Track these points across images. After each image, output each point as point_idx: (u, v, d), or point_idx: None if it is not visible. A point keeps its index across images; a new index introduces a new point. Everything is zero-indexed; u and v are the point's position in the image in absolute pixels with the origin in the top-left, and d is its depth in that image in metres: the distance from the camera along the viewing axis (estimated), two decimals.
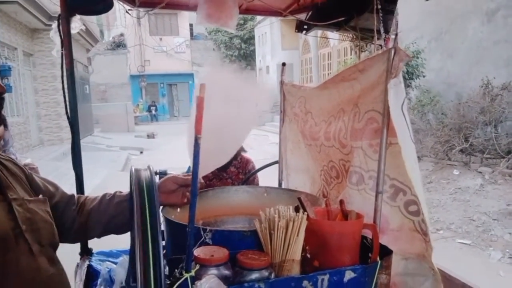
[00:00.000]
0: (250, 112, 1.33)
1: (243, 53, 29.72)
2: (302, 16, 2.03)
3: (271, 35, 22.06)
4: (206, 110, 1.13)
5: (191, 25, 30.13)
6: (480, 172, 7.02)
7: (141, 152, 13.66)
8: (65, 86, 1.71)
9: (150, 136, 18.33)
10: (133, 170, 0.94)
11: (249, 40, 28.39)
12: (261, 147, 10.86)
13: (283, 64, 1.83)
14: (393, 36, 1.12)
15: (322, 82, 1.48)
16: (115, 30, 30.35)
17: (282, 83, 1.83)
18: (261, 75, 23.92)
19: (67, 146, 1.91)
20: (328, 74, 16.77)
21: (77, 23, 1.66)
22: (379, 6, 1.50)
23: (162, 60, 28.48)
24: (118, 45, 29.28)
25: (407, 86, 9.07)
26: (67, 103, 1.72)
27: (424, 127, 8.50)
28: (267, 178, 2.43)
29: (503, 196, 6.12)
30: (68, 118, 1.66)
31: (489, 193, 6.31)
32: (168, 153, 11.04)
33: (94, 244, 1.79)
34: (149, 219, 0.87)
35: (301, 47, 20.74)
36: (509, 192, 6.19)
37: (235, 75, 1.33)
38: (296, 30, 1.99)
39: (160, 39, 28.60)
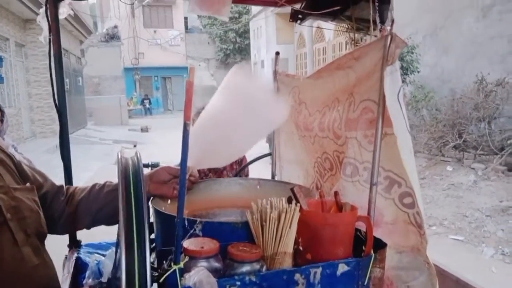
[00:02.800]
0: (264, 122, 1.29)
1: (238, 47, 29.62)
2: (297, 6, 2.00)
3: (266, 29, 21.95)
4: (222, 108, 1.09)
5: (185, 18, 29.95)
6: (473, 169, 7.05)
7: (135, 146, 13.48)
8: (53, 72, 1.66)
9: (144, 129, 18.22)
10: (120, 155, 0.91)
11: (244, 34, 28.28)
12: None
13: (277, 53, 1.79)
14: (388, 27, 1.09)
15: (316, 70, 1.44)
16: (108, 22, 30.04)
17: (275, 73, 1.79)
18: (256, 69, 23.83)
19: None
20: None
21: (65, 8, 1.61)
22: None
23: (156, 53, 28.27)
24: (112, 37, 28.99)
25: (402, 81, 9.07)
26: (55, 90, 1.67)
27: (418, 123, 8.51)
28: (260, 172, 2.40)
29: (495, 192, 6.15)
30: (55, 105, 1.62)
31: (482, 189, 6.34)
32: (162, 147, 10.97)
33: (84, 236, 1.75)
34: (134, 204, 0.83)
35: (296, 42, 20.67)
36: (501, 188, 6.22)
37: (257, 81, 1.29)
38: (291, 20, 1.95)
39: (154, 31, 28.38)
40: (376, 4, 1.48)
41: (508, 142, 6.94)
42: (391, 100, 1.03)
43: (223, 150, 1.31)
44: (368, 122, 1.19)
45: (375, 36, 1.65)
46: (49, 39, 1.58)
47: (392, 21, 1.07)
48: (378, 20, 1.52)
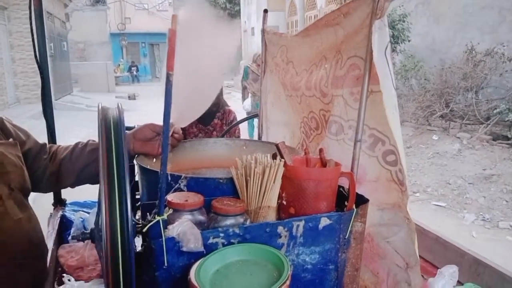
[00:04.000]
0: (225, 58, 1.28)
1: (228, 13, 28.94)
2: None
3: None
4: (181, 55, 1.07)
5: None
6: (458, 138, 7.15)
7: None
8: (35, 33, 1.61)
9: (131, 97, 17.97)
10: (100, 106, 0.89)
11: None
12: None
13: (265, 11, 1.75)
14: None
15: (303, 29, 1.42)
16: None
17: (263, 31, 1.76)
18: (246, 36, 23.43)
19: None
20: None
21: None
22: None
23: (143, 19, 27.55)
24: (98, 0, 28.09)
25: (392, 50, 9.00)
26: (36, 49, 1.62)
27: (407, 92, 8.53)
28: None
29: (479, 161, 6.27)
30: (37, 62, 1.57)
31: (466, 158, 6.46)
32: (150, 114, 10.88)
33: (69, 195, 1.75)
34: (115, 158, 0.83)
35: (287, 9, 20.26)
36: (485, 157, 6.34)
37: (213, 20, 1.26)
38: None
39: None
40: None
41: (494, 112, 7.02)
42: (378, 56, 1.02)
43: (196, 98, 1.30)
44: (355, 79, 1.18)
45: None
46: None
47: None
48: None
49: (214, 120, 2.57)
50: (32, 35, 1.59)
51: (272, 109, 1.78)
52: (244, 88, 6.79)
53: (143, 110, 13.56)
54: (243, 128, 2.31)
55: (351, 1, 1.13)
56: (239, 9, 26.24)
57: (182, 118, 1.33)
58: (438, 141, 7.22)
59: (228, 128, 2.26)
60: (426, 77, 8.33)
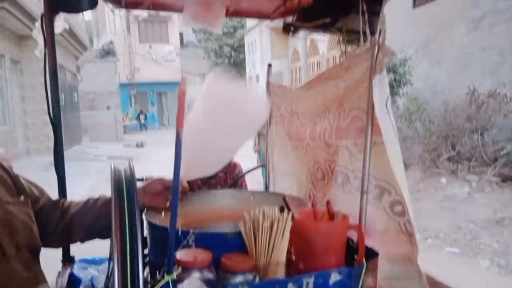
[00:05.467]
0: (247, 123, 1.31)
1: (233, 61, 29.80)
2: (289, 19, 2.04)
3: (260, 43, 22.16)
4: (204, 116, 1.10)
5: (181, 33, 30.19)
6: (467, 180, 7.08)
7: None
8: (48, 88, 1.67)
9: (139, 145, 18.18)
10: (113, 167, 0.91)
11: (239, 48, 28.49)
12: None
13: (269, 65, 1.82)
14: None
15: (306, 82, 1.47)
16: (104, 37, 30.22)
17: (268, 84, 1.81)
18: (251, 83, 23.98)
19: None
20: None
21: (60, 22, 1.63)
22: (365, 8, 1.50)
23: (151, 68, 28.42)
24: (108, 52, 29.15)
25: (395, 94, 9.14)
26: (50, 103, 1.68)
27: (412, 135, 8.56)
28: (256, 183, 2.40)
29: (490, 204, 6.17)
30: (50, 118, 1.63)
31: (476, 201, 6.36)
32: (157, 162, 10.95)
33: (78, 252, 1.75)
34: (128, 217, 0.84)
35: (290, 56, 20.85)
36: (496, 200, 6.24)
37: (235, 84, 1.31)
38: (283, 32, 1.99)
39: (150, 46, 28.58)
40: (366, 16, 1.51)
41: (501, 153, 6.99)
42: (379, 109, 1.05)
43: (210, 157, 1.32)
44: (358, 130, 1.20)
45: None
46: (45, 53, 1.59)
47: (380, 31, 1.09)
48: (368, 31, 1.55)
49: (219, 174, 2.53)
50: (46, 90, 1.65)
51: (279, 159, 1.80)
52: (259, 135, 6.84)
53: (151, 158, 13.67)
54: (250, 178, 2.32)
55: (351, 56, 1.18)
56: (244, 57, 27.04)
57: (192, 171, 1.34)
58: (447, 184, 7.14)
59: (235, 180, 2.27)
60: (430, 119, 8.38)
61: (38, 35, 1.60)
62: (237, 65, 29.67)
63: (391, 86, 8.86)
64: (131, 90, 28.84)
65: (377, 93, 1.04)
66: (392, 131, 1.07)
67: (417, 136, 8.43)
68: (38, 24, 1.60)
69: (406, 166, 7.97)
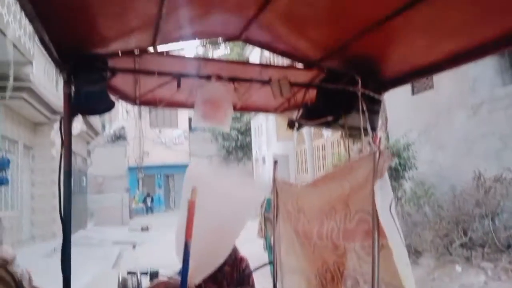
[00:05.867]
0: (242, 208, 1.33)
1: (240, 144, 30.40)
2: (294, 114, 2.15)
3: (266, 127, 22.76)
4: (199, 214, 1.13)
5: (190, 118, 31.26)
6: (482, 268, 6.80)
7: (134, 247, 13.26)
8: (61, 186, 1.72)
9: (144, 229, 17.97)
10: (120, 278, 0.92)
11: (246, 131, 29.24)
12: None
13: (275, 163, 1.88)
14: (379, 133, 1.18)
15: (312, 181, 1.51)
16: (116, 123, 31.33)
17: (274, 180, 1.86)
18: (258, 165, 24.23)
19: (59, 241, 1.86)
20: (323, 165, 16.97)
21: (78, 124, 1.74)
22: (365, 107, 1.60)
23: (160, 152, 29.04)
24: (119, 137, 30.01)
25: (401, 177, 9.16)
26: (62, 202, 1.71)
27: (421, 219, 8.39)
28: (263, 277, 2.34)
29: None
30: (61, 216, 1.66)
31: None
32: (162, 246, 10.72)
33: None
34: None
35: (295, 139, 21.27)
36: None
37: (225, 171, 1.35)
38: (288, 128, 2.08)
39: (160, 131, 29.50)
40: (366, 114, 1.61)
41: None
42: (383, 214, 1.07)
43: (211, 250, 1.32)
44: (365, 233, 1.21)
45: (368, 142, 1.75)
46: (61, 154, 1.67)
47: (380, 138, 1.15)
48: (369, 127, 1.64)
49: (225, 268, 2.44)
50: (59, 190, 1.70)
51: (286, 256, 1.78)
52: (266, 220, 6.77)
53: (155, 242, 13.41)
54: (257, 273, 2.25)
55: (354, 161, 1.23)
56: (250, 140, 27.62)
57: (198, 273, 1.34)
58: (462, 273, 6.85)
59: (242, 278, 2.21)
60: (439, 204, 8.28)
61: (55, 136, 1.69)
62: (244, 147, 30.21)
63: (397, 170, 8.91)
64: (139, 173, 29.17)
65: (380, 198, 1.07)
66: (397, 236, 1.08)
67: (427, 221, 8.26)
68: (57, 125, 1.70)
69: (419, 253, 7.71)
